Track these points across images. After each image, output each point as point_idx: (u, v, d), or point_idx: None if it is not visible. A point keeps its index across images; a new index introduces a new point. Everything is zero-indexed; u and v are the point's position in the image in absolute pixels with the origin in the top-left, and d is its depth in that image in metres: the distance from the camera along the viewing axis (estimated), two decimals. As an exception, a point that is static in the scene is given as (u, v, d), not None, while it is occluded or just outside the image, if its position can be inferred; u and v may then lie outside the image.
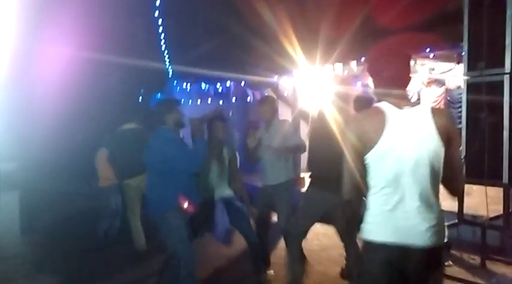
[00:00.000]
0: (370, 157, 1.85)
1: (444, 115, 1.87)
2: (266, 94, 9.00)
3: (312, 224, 3.74)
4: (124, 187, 5.06)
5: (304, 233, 3.73)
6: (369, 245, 1.88)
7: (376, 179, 1.87)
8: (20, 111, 6.29)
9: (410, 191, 1.81)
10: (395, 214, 1.82)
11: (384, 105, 1.87)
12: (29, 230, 5.64)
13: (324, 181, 3.42)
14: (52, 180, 6.79)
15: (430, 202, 1.82)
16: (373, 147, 1.82)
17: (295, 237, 3.70)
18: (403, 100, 1.88)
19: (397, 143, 1.81)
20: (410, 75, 2.01)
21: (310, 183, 3.76)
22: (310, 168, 3.81)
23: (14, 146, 5.92)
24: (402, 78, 1.96)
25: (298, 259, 3.76)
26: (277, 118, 4.36)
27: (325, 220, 3.89)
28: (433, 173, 1.82)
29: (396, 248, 1.80)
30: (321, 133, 3.46)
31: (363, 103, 3.62)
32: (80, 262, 4.82)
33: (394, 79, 1.92)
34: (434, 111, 1.85)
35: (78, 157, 7.37)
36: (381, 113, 1.85)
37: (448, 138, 1.84)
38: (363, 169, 1.88)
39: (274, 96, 9.01)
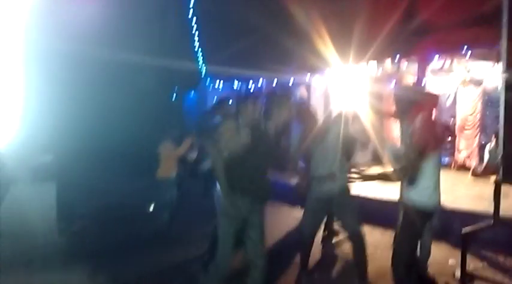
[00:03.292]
0: None
1: None
2: (296, 92, 9.04)
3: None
4: None
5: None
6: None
7: None
8: (60, 106, 6.49)
9: None
10: None
11: None
12: (66, 220, 5.76)
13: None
14: (89, 173, 7.00)
15: None
16: None
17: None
18: None
19: None
20: None
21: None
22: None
23: (50, 139, 6.06)
24: None
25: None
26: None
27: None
28: None
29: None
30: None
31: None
32: (113, 253, 4.89)
33: None
34: None
35: (115, 150, 7.64)
36: None
37: None
38: None
39: (305, 95, 9.12)
